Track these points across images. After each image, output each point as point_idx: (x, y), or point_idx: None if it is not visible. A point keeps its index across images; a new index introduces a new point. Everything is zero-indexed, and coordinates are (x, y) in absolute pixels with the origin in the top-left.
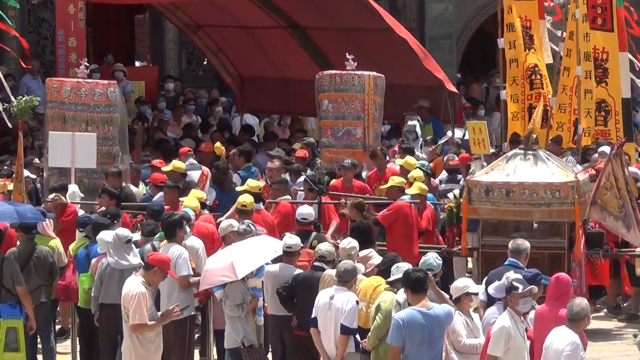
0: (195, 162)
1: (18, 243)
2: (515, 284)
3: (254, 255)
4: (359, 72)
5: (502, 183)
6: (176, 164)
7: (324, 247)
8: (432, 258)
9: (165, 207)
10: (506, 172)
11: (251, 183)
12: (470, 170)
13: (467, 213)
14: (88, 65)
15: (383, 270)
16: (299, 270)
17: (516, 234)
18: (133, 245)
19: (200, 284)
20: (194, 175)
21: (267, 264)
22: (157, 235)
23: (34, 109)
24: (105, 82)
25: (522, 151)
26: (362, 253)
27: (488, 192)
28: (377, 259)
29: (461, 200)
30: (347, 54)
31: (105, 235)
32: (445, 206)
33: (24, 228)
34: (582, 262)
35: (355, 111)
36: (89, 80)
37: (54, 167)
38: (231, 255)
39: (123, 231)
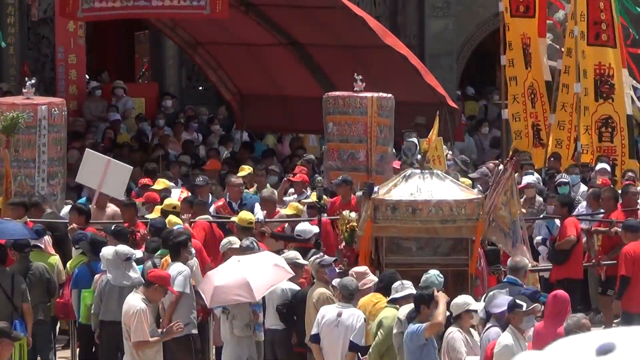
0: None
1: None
2: (518, 301)
3: (267, 274)
4: (361, 94)
5: (408, 201)
6: (166, 182)
7: None
8: (434, 276)
9: (125, 224)
10: (409, 190)
11: (168, 201)
12: (375, 190)
13: (372, 232)
14: (33, 84)
15: (382, 287)
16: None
17: (419, 251)
18: (134, 263)
19: (210, 301)
20: (174, 193)
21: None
22: (157, 253)
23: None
24: (57, 100)
25: (418, 170)
26: (359, 269)
27: (394, 211)
28: (372, 276)
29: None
30: (355, 74)
31: (107, 252)
32: (347, 225)
33: (17, 246)
34: (484, 278)
35: (357, 134)
36: (38, 100)
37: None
38: (244, 273)
39: (123, 248)
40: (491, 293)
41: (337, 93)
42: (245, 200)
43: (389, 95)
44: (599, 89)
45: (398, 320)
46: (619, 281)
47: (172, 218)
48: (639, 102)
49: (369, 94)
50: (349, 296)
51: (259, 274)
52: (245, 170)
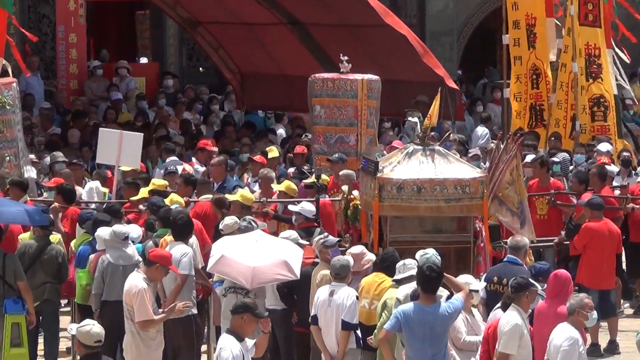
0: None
1: (31, 235)
2: (532, 280)
3: (296, 252)
4: (351, 77)
5: (413, 180)
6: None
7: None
8: (433, 255)
9: (126, 204)
10: (414, 168)
11: (156, 182)
12: (380, 168)
13: (379, 211)
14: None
15: (385, 267)
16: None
17: (421, 229)
18: (130, 242)
19: (251, 282)
20: (179, 169)
21: None
22: (157, 232)
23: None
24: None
25: (420, 147)
26: (355, 250)
27: (400, 190)
28: (370, 255)
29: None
30: (341, 55)
31: (103, 232)
32: (351, 203)
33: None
34: (486, 255)
35: (348, 118)
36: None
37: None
38: (277, 252)
39: (120, 228)
40: None
41: (325, 75)
42: (226, 182)
43: (376, 77)
44: (588, 69)
45: (397, 301)
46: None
47: (173, 197)
48: (624, 83)
49: (359, 77)
50: (336, 276)
51: (290, 252)
52: (275, 151)
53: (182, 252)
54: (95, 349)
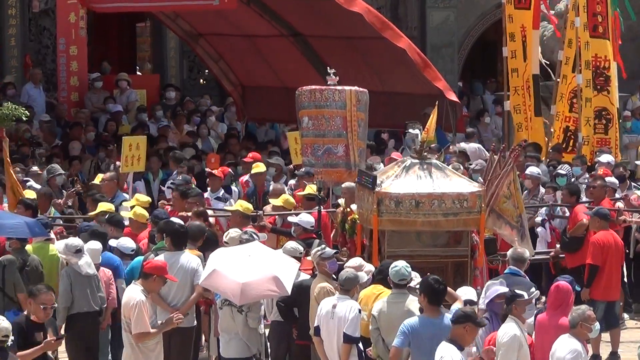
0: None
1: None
2: (518, 291)
3: (289, 267)
4: (339, 87)
5: (411, 194)
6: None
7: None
8: (402, 267)
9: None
10: (412, 182)
11: (141, 198)
12: (379, 182)
13: (377, 225)
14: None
15: (382, 279)
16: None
17: (419, 243)
18: (85, 254)
19: (240, 298)
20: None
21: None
22: (156, 246)
23: (15, 118)
24: None
25: (417, 161)
26: (353, 262)
27: (398, 204)
28: (369, 267)
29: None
30: (328, 68)
31: (58, 246)
32: (349, 217)
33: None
34: (484, 269)
35: (336, 128)
36: None
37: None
38: (269, 267)
39: (73, 241)
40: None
41: (313, 87)
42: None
43: (364, 89)
44: (594, 81)
45: (373, 318)
46: (588, 270)
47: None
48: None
49: (347, 87)
50: (341, 288)
51: (282, 267)
52: (260, 166)
53: (197, 261)
54: (2, 343)
